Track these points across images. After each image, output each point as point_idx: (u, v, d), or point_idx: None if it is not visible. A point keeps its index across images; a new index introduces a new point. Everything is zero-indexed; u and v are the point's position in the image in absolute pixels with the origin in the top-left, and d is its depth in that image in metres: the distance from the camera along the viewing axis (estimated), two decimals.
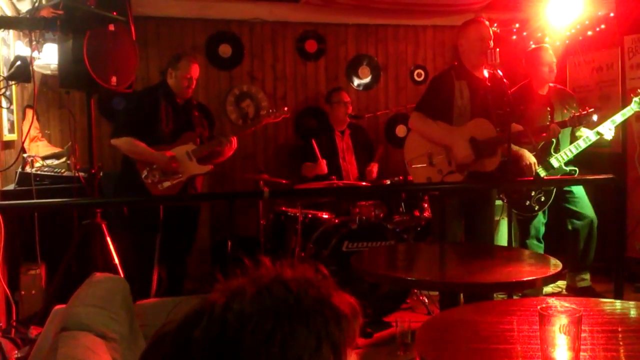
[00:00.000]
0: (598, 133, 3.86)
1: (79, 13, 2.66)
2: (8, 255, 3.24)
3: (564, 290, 4.26)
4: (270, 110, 4.06)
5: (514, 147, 3.70)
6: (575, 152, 3.96)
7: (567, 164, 3.98)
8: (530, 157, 3.68)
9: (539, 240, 4.16)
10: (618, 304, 2.14)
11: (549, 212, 4.16)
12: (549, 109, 4.03)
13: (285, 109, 4.03)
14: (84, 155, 3.51)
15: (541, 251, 4.01)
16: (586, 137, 3.92)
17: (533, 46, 4.42)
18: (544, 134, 3.66)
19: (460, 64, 3.45)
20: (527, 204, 4.01)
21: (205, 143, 3.84)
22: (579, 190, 4.12)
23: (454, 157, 3.34)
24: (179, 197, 3.79)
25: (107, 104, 4.59)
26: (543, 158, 3.91)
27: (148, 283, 3.57)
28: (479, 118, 3.34)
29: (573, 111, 3.88)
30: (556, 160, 3.95)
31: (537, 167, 3.72)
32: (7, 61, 3.39)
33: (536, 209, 4.03)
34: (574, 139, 4.04)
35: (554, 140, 3.89)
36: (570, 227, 4.16)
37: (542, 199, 4.00)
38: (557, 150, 3.96)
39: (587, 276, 4.19)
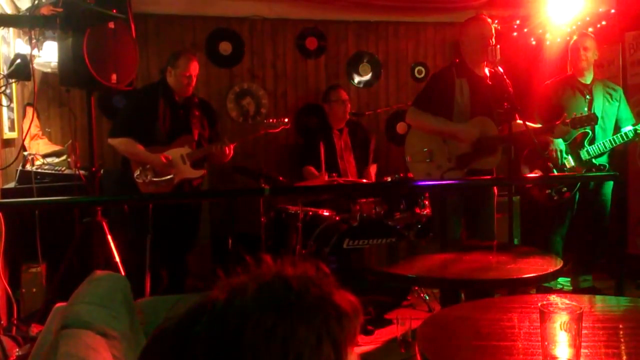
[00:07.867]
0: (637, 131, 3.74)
1: (79, 11, 2.65)
2: (9, 253, 3.24)
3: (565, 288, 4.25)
4: (271, 120, 3.96)
5: None
6: (609, 147, 3.85)
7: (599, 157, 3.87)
8: (558, 144, 3.63)
9: (562, 238, 4.05)
10: (619, 300, 2.14)
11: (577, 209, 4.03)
12: (587, 97, 3.93)
13: (286, 120, 3.93)
14: (85, 153, 3.50)
15: (560, 249, 3.95)
16: (625, 132, 3.80)
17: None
18: (549, 134, 3.58)
19: (461, 62, 3.43)
20: (547, 191, 3.91)
21: (201, 147, 3.82)
22: (607, 192, 4.00)
23: (455, 145, 3.31)
24: (181, 195, 3.79)
25: (108, 101, 4.59)
26: (575, 148, 3.86)
27: (141, 283, 3.56)
28: (481, 116, 3.33)
29: (617, 103, 3.78)
30: (586, 153, 3.85)
31: (563, 155, 3.66)
32: (7, 59, 3.38)
33: (555, 198, 3.89)
34: (617, 131, 3.90)
35: (589, 132, 3.80)
36: (586, 229, 4.06)
37: (564, 189, 3.87)
38: (592, 142, 3.86)
39: (589, 277, 4.15)
